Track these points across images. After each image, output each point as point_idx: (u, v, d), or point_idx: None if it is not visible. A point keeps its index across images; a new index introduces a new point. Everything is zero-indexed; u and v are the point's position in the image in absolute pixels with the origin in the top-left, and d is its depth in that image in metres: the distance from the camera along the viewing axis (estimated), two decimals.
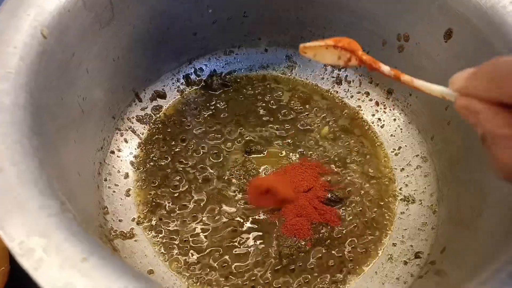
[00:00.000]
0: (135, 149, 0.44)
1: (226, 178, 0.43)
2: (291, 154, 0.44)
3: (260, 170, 0.43)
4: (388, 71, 0.27)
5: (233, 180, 0.43)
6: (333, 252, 0.39)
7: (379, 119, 0.47)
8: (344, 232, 0.40)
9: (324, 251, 0.39)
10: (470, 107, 0.22)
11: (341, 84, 0.49)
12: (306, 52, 0.29)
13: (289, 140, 0.45)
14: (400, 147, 0.45)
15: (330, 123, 0.47)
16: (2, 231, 0.21)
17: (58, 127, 0.31)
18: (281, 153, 0.44)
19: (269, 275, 0.38)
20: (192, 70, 0.49)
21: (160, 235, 0.40)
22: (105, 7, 0.35)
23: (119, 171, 0.42)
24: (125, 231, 0.39)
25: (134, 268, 0.35)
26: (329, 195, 0.41)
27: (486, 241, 0.30)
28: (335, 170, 0.43)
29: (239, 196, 0.42)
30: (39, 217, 0.22)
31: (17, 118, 0.25)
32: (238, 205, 0.41)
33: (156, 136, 0.45)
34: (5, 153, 0.23)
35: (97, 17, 0.34)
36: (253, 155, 0.44)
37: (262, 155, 0.44)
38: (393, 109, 0.47)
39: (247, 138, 0.45)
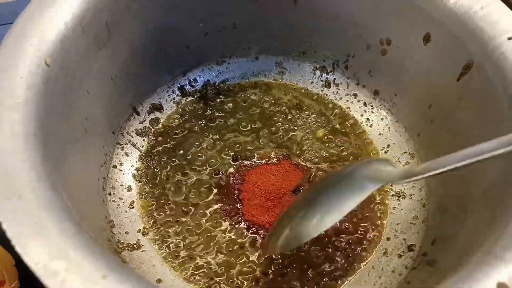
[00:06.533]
0: (136, 162, 0.46)
1: (224, 184, 0.45)
2: (282, 156, 0.46)
3: (256, 174, 0.45)
4: None
5: (232, 186, 0.44)
6: (331, 249, 0.41)
7: (367, 119, 0.50)
8: (340, 229, 0.42)
9: (322, 249, 0.41)
10: None
11: (330, 87, 0.52)
12: None
13: (284, 143, 0.47)
14: (389, 145, 0.48)
15: (323, 125, 0.49)
16: (26, 255, 0.23)
17: (65, 149, 0.32)
18: (273, 156, 0.46)
19: (272, 275, 0.40)
20: (187, 82, 0.50)
21: (166, 244, 0.42)
22: (102, 29, 0.36)
23: (122, 185, 0.44)
24: (132, 243, 0.41)
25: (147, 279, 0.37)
26: None
27: (472, 230, 0.33)
28: (328, 170, 0.46)
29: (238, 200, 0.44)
30: (59, 239, 0.24)
31: (30, 146, 0.27)
32: (238, 210, 0.43)
33: (156, 148, 0.47)
34: (23, 180, 0.25)
35: (95, 39, 0.36)
36: (247, 161, 0.46)
37: (257, 161, 0.46)
38: (380, 109, 0.49)
39: (242, 145, 0.47)
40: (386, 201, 0.44)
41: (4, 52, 0.29)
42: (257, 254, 0.41)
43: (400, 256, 0.40)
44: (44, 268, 0.23)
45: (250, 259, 0.41)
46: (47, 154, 0.28)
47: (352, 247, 0.41)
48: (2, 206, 0.24)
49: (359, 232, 0.42)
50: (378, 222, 0.43)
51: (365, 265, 0.41)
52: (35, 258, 0.23)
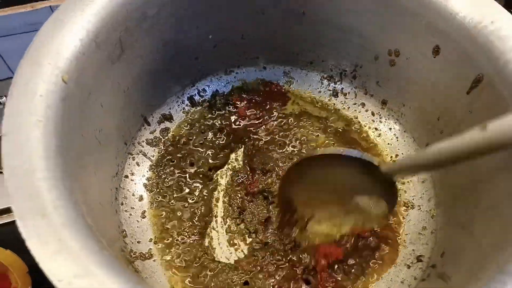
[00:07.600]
0: (147, 171, 0.46)
1: (232, 195, 0.45)
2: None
3: (265, 184, 0.46)
4: None
5: (240, 197, 0.45)
6: (339, 259, 0.42)
7: (375, 128, 0.50)
8: (350, 241, 0.43)
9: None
10: None
11: (338, 96, 0.52)
12: None
13: (293, 152, 0.48)
14: (397, 155, 0.48)
15: (329, 135, 0.49)
16: (50, 273, 0.23)
17: (80, 162, 0.33)
18: (285, 166, 0.47)
19: (285, 284, 0.40)
20: (196, 92, 0.51)
21: (176, 253, 0.42)
22: (115, 45, 0.37)
23: (133, 194, 0.44)
24: (144, 252, 0.42)
25: None
26: None
27: (483, 244, 0.33)
28: None
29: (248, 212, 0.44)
30: (82, 257, 0.24)
31: (51, 163, 0.27)
32: (246, 221, 0.44)
33: (166, 158, 0.47)
34: (46, 198, 0.25)
35: (108, 55, 0.36)
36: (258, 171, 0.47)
37: (267, 172, 0.47)
38: (388, 118, 0.50)
39: (251, 154, 0.48)
40: (396, 212, 0.45)
41: (23, 70, 0.30)
42: (267, 265, 0.41)
43: (409, 267, 0.41)
44: (68, 286, 0.23)
45: (263, 272, 0.41)
46: (66, 170, 0.28)
47: (362, 258, 0.42)
48: (26, 225, 0.24)
49: (368, 243, 0.43)
50: (390, 232, 0.43)
51: (373, 275, 0.41)
52: (59, 276, 0.23)
